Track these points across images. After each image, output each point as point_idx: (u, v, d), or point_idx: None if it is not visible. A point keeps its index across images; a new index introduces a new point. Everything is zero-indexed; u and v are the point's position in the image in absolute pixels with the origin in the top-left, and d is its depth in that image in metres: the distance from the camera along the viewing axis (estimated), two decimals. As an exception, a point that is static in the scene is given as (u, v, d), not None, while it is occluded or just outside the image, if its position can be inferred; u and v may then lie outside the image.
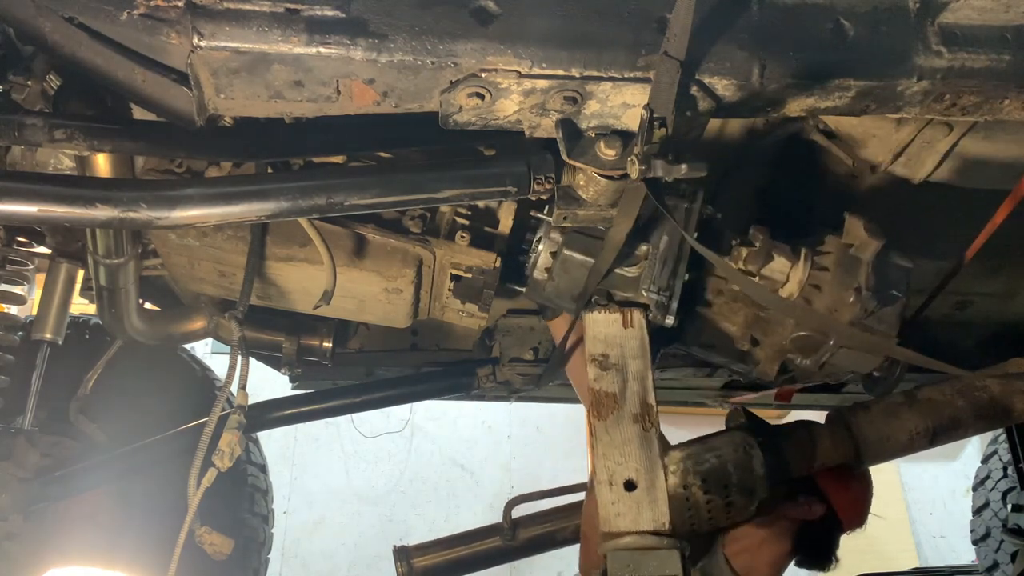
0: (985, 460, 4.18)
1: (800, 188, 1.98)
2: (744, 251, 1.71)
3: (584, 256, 1.65)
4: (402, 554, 2.16)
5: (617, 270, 1.65)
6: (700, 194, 1.63)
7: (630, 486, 1.35)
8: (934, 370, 1.64)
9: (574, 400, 3.29)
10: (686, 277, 1.63)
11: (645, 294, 1.60)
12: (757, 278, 1.72)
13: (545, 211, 1.67)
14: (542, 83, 1.26)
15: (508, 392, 2.71)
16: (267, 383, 3.14)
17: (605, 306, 1.61)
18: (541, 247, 1.70)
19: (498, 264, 1.87)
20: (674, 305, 1.60)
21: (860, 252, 1.68)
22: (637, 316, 1.55)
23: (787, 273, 1.70)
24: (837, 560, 2.15)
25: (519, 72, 1.24)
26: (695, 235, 1.60)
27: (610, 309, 1.58)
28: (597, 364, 1.49)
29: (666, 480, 1.89)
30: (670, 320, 1.60)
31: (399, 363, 2.57)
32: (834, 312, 1.68)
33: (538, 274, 1.72)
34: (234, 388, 1.89)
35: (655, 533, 1.32)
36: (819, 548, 2.17)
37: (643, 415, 1.43)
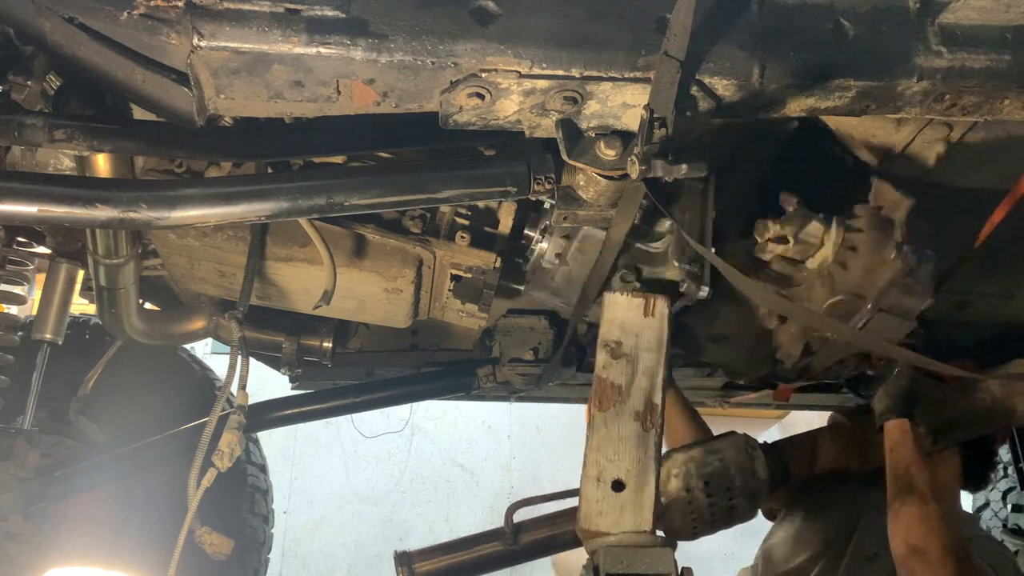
0: (985, 460, 4.17)
1: (800, 187, 1.98)
2: (770, 224, 1.68)
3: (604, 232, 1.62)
4: (403, 559, 2.15)
5: (641, 246, 1.61)
6: (713, 179, 1.61)
7: (618, 486, 1.32)
8: (934, 370, 1.64)
9: (574, 400, 3.29)
10: (712, 250, 1.60)
11: (677, 265, 1.56)
12: (792, 242, 1.69)
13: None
14: (542, 83, 1.26)
15: (508, 392, 2.71)
16: (267, 383, 3.13)
17: (630, 284, 1.57)
18: (548, 236, 1.66)
19: (498, 264, 1.87)
20: (707, 274, 1.57)
21: (893, 212, 1.66)
22: (660, 305, 1.49)
23: (821, 237, 1.68)
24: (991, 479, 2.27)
25: (519, 72, 1.24)
26: (714, 213, 1.57)
27: (634, 293, 1.52)
28: (608, 351, 1.44)
29: (668, 483, 1.89)
30: (704, 291, 1.57)
31: (399, 363, 2.57)
32: (872, 272, 1.65)
33: (546, 263, 1.68)
34: (234, 388, 1.89)
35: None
36: (980, 462, 2.24)
37: (646, 414, 1.38)
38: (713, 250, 1.60)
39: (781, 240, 1.69)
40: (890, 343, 1.68)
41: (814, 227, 1.67)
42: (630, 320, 1.48)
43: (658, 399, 1.41)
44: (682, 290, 1.57)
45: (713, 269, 1.59)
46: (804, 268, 1.73)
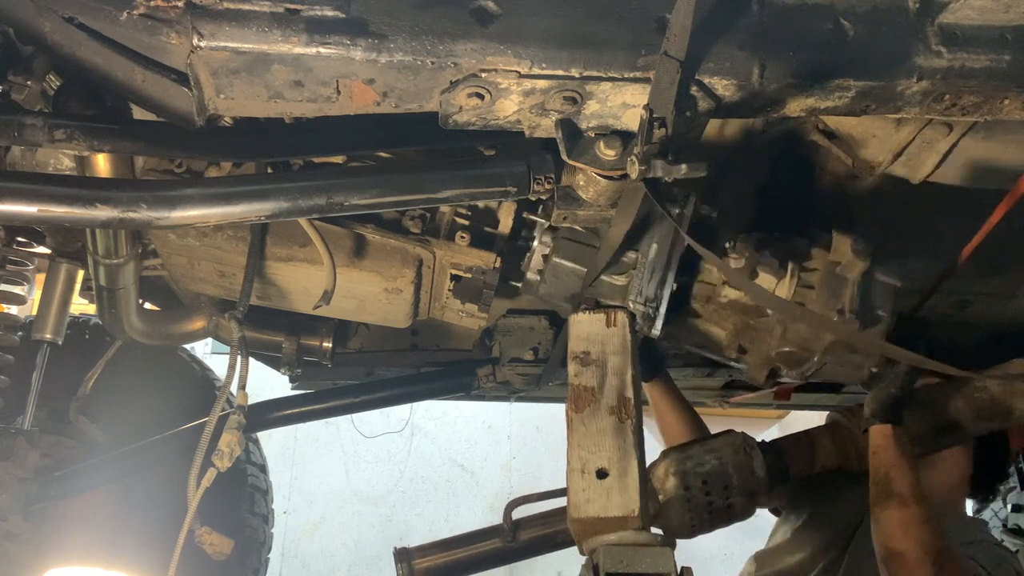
0: (985, 460, 4.16)
1: (800, 188, 1.98)
2: (730, 262, 1.70)
3: (574, 264, 1.66)
4: (403, 556, 2.15)
5: (605, 278, 1.65)
6: (692, 198, 1.63)
7: (602, 474, 1.35)
8: (934, 370, 1.64)
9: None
10: (674, 286, 1.64)
11: (632, 305, 1.61)
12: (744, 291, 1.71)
13: (539, 212, 1.67)
14: (542, 83, 1.26)
15: (508, 392, 2.71)
16: (267, 383, 3.14)
17: (591, 309, 1.62)
18: (534, 248, 1.70)
19: (498, 264, 1.87)
20: (660, 319, 1.61)
21: (846, 271, 1.66)
22: (620, 316, 1.56)
23: (772, 289, 1.69)
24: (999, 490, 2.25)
25: (519, 72, 1.24)
26: (686, 239, 1.59)
27: (595, 310, 1.59)
28: (578, 361, 1.50)
29: (666, 481, 1.89)
30: (656, 331, 1.61)
31: (399, 363, 2.57)
32: (817, 331, 1.68)
33: (531, 275, 1.73)
34: (234, 388, 1.90)
35: (637, 527, 1.31)
36: (992, 471, 2.21)
37: (620, 407, 1.42)
38: (676, 287, 1.63)
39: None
40: (888, 343, 1.68)
41: (765, 280, 1.67)
42: (594, 332, 1.54)
43: (630, 393, 1.45)
44: (636, 328, 1.60)
45: (675, 300, 1.63)
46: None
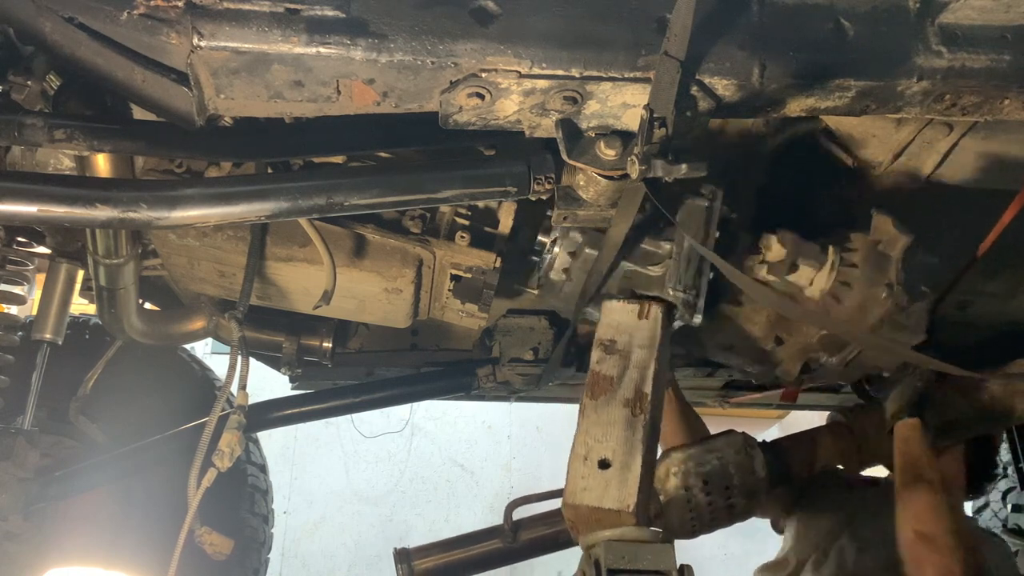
0: (985, 460, 4.17)
1: (800, 188, 1.97)
2: (768, 253, 1.69)
3: None
4: (402, 556, 2.15)
5: (640, 269, 1.62)
6: (719, 192, 1.61)
7: (604, 464, 1.34)
8: (937, 371, 1.64)
9: (574, 400, 3.29)
10: (711, 275, 1.61)
11: (672, 292, 1.57)
12: (787, 276, 1.70)
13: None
14: (542, 83, 1.26)
15: (508, 392, 2.71)
16: (267, 383, 3.13)
17: (625, 298, 1.60)
18: (558, 248, 1.68)
19: (498, 264, 1.87)
20: (701, 303, 1.58)
21: (889, 248, 1.68)
22: (654, 309, 1.53)
23: (811, 278, 1.69)
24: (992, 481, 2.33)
25: (519, 72, 1.24)
26: (717, 234, 1.58)
27: (629, 300, 1.56)
28: (602, 348, 1.49)
29: (667, 481, 1.89)
30: (698, 319, 1.58)
31: (399, 363, 2.57)
32: (864, 309, 1.67)
33: (555, 275, 1.69)
34: (234, 388, 1.89)
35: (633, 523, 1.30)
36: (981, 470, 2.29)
37: (635, 401, 1.41)
38: (712, 275, 1.61)
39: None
40: (894, 342, 1.68)
41: (804, 272, 1.68)
42: (625, 322, 1.52)
43: (648, 388, 1.43)
44: (676, 316, 1.58)
45: (710, 292, 1.61)
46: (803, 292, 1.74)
